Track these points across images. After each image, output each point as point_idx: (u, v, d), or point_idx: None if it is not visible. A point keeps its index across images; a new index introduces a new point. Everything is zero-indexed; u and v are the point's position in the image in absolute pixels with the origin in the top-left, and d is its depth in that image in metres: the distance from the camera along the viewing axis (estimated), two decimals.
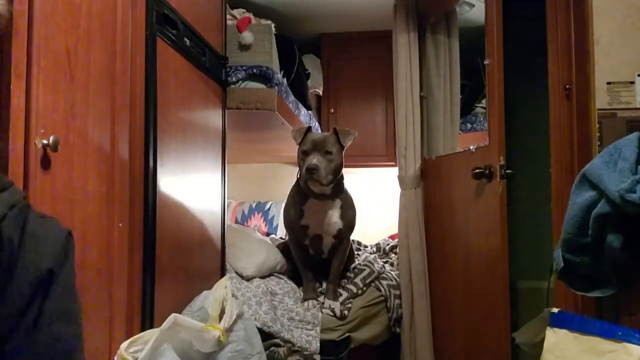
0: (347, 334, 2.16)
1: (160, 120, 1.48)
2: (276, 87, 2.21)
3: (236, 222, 3.50)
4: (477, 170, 1.96)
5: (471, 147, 2.17)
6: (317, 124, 3.25)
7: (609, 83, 1.54)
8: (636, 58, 1.54)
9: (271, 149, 3.28)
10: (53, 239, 0.79)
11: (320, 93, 3.39)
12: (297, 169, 2.23)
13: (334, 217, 2.22)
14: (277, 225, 3.37)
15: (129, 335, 1.30)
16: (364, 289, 2.37)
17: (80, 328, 0.83)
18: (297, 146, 2.15)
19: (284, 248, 2.46)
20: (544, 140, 1.94)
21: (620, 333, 1.23)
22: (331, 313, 2.15)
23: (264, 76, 2.19)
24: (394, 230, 2.79)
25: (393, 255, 2.91)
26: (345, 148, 2.16)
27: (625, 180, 1.21)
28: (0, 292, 0.69)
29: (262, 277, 2.21)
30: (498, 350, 1.87)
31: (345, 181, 2.28)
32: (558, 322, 1.38)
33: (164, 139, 1.51)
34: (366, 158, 3.32)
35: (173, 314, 1.36)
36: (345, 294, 2.27)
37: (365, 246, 3.15)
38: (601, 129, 1.54)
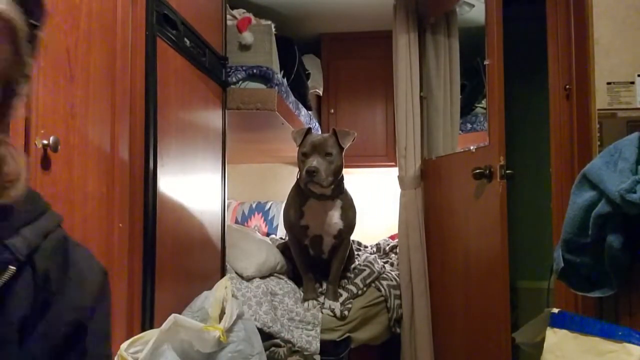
0: (347, 334, 2.16)
1: (160, 120, 1.48)
2: (276, 87, 2.20)
3: (236, 222, 3.50)
4: (477, 171, 1.96)
5: (471, 147, 2.17)
6: (317, 124, 3.25)
7: (609, 83, 1.55)
8: (636, 58, 1.54)
9: (271, 149, 3.28)
10: (94, 275, 0.69)
11: (321, 93, 3.39)
12: (297, 169, 2.23)
13: (334, 217, 2.22)
14: (277, 226, 3.37)
15: (129, 335, 1.30)
16: (364, 289, 2.37)
17: None
18: (297, 147, 2.15)
19: (284, 248, 2.46)
20: (544, 140, 1.94)
21: (620, 333, 1.23)
22: (331, 313, 2.15)
23: (264, 76, 2.19)
24: (394, 230, 2.79)
25: (393, 255, 2.91)
26: (345, 149, 2.16)
27: (625, 181, 1.21)
28: (30, 333, 0.59)
29: (262, 278, 2.21)
30: (498, 350, 1.87)
31: (345, 181, 2.28)
32: (558, 322, 1.38)
33: (164, 139, 1.51)
34: (366, 158, 3.32)
35: (173, 314, 1.36)
36: (345, 294, 2.27)
37: (366, 246, 3.15)
38: (601, 129, 1.54)
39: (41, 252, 0.60)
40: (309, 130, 2.17)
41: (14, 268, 0.55)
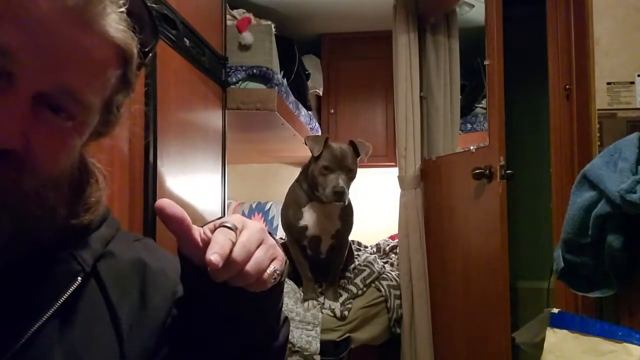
0: (347, 335, 2.16)
1: (160, 120, 1.48)
2: (276, 88, 2.20)
3: None
4: (477, 171, 1.96)
5: (471, 148, 2.17)
6: (317, 124, 3.25)
7: (609, 83, 1.55)
8: (636, 58, 1.54)
9: (271, 149, 3.28)
10: (171, 267, 0.67)
11: (321, 93, 3.39)
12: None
13: (333, 218, 2.22)
14: (277, 226, 3.37)
15: None
16: (364, 289, 2.37)
17: None
18: (313, 155, 2.13)
19: (283, 248, 2.45)
20: (544, 140, 1.95)
21: (620, 333, 1.23)
22: (331, 313, 2.15)
23: (264, 76, 2.18)
24: (394, 230, 2.79)
25: (393, 255, 2.91)
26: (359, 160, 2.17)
27: (625, 181, 1.21)
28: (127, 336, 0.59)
29: None
30: (498, 350, 1.87)
31: None
32: (558, 322, 1.38)
33: (164, 139, 1.51)
34: (366, 158, 3.33)
35: None
36: (345, 295, 2.27)
37: (365, 246, 3.15)
38: (601, 129, 1.54)
39: (104, 261, 0.59)
40: (327, 139, 2.14)
41: (80, 278, 0.55)
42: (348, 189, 2.08)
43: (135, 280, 0.61)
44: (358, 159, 2.16)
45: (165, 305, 0.63)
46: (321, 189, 2.09)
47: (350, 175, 2.10)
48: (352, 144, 2.14)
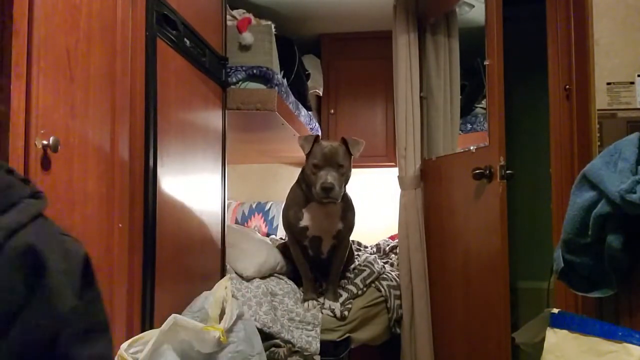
0: (347, 335, 2.16)
1: (160, 121, 1.48)
2: (276, 88, 2.20)
3: (236, 222, 3.50)
4: (477, 171, 1.96)
5: (471, 148, 2.17)
6: (317, 124, 3.25)
7: (609, 83, 1.55)
8: (636, 58, 1.54)
9: (271, 149, 3.29)
10: (70, 277, 0.62)
11: (320, 93, 3.39)
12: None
13: (334, 218, 2.22)
14: (277, 226, 3.37)
15: (129, 335, 1.30)
16: (364, 289, 2.37)
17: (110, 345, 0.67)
18: (305, 155, 2.12)
19: (283, 249, 2.46)
20: (544, 141, 1.95)
21: (620, 333, 1.23)
22: (331, 314, 2.15)
23: (264, 77, 2.19)
24: (394, 230, 2.79)
25: (393, 255, 2.91)
26: (353, 157, 2.15)
27: (625, 181, 1.21)
28: (14, 319, 0.53)
29: (262, 278, 2.21)
30: (498, 350, 1.87)
31: None
32: (558, 322, 1.38)
33: (164, 139, 1.51)
34: (366, 158, 3.30)
35: (173, 315, 1.36)
36: (345, 295, 2.27)
37: (366, 247, 3.15)
38: (601, 129, 1.54)
39: (4, 255, 0.52)
40: (317, 137, 2.13)
41: None
42: (340, 187, 2.04)
43: (21, 274, 0.54)
44: (352, 157, 2.15)
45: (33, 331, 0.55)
46: (313, 187, 2.07)
47: (342, 172, 2.06)
48: (344, 141, 2.13)
